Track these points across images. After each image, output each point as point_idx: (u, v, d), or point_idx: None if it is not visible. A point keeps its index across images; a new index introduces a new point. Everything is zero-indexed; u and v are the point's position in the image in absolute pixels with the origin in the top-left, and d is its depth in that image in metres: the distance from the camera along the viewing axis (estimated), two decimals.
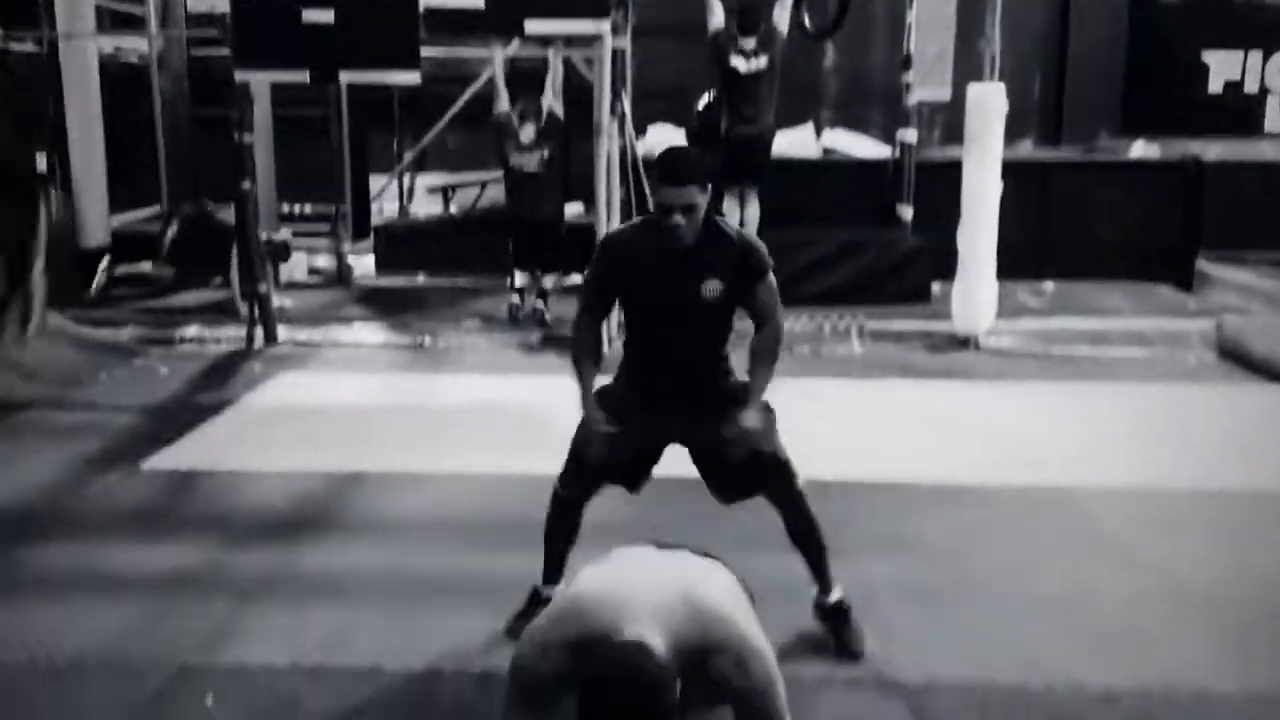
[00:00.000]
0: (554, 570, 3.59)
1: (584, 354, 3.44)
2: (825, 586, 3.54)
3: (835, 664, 3.41)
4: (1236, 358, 7.35)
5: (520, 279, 8.22)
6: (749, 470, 3.38)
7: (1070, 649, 3.51)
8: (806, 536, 3.49)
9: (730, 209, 8.31)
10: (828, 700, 3.22)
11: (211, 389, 6.74)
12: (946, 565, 4.16)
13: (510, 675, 2.30)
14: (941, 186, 8.10)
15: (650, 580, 2.29)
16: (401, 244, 10.18)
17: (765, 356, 3.42)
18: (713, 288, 3.29)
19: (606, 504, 3.64)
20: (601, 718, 2.02)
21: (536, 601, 3.58)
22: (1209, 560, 4.22)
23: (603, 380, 3.50)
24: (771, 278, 3.37)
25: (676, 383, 3.42)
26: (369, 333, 8.17)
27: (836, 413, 6.28)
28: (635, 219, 3.54)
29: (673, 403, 3.40)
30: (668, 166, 3.22)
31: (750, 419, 3.31)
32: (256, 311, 7.84)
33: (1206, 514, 4.70)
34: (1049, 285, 9.20)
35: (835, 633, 3.51)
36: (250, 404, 6.40)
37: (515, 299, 8.18)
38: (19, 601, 3.80)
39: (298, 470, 5.15)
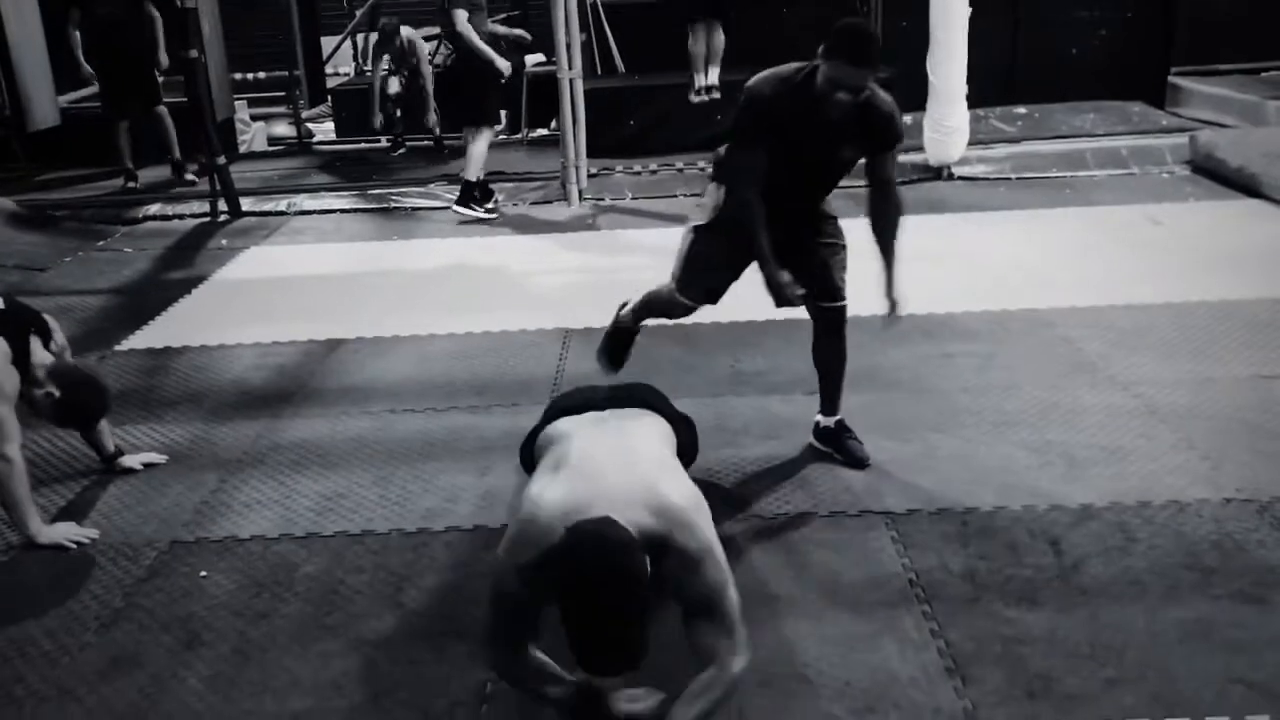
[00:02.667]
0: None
1: (755, 209, 3.37)
2: (833, 410, 3.74)
3: (817, 497, 3.47)
4: (1209, 172, 7.32)
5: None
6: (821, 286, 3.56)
7: (1047, 470, 3.58)
8: (836, 358, 3.69)
9: (696, 41, 8.25)
10: (812, 531, 3.28)
11: (179, 266, 6.65)
12: (923, 395, 4.20)
13: (492, 603, 2.36)
14: (909, 14, 7.91)
15: (612, 482, 2.30)
16: (361, 106, 9.94)
17: (891, 228, 3.54)
18: (850, 153, 3.39)
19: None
20: (579, 589, 2.10)
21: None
22: (1181, 373, 4.28)
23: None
24: (898, 151, 3.47)
25: (789, 219, 3.47)
26: (335, 200, 8.04)
27: None
28: (784, 69, 3.37)
29: (783, 231, 3.44)
30: (857, 47, 3.16)
31: (898, 304, 3.59)
32: (218, 185, 7.70)
33: (1179, 327, 4.74)
34: (1022, 110, 9.08)
35: (841, 448, 3.70)
36: (220, 279, 6.33)
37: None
38: None
39: (274, 341, 5.13)
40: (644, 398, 2.83)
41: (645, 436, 2.59)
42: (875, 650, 2.71)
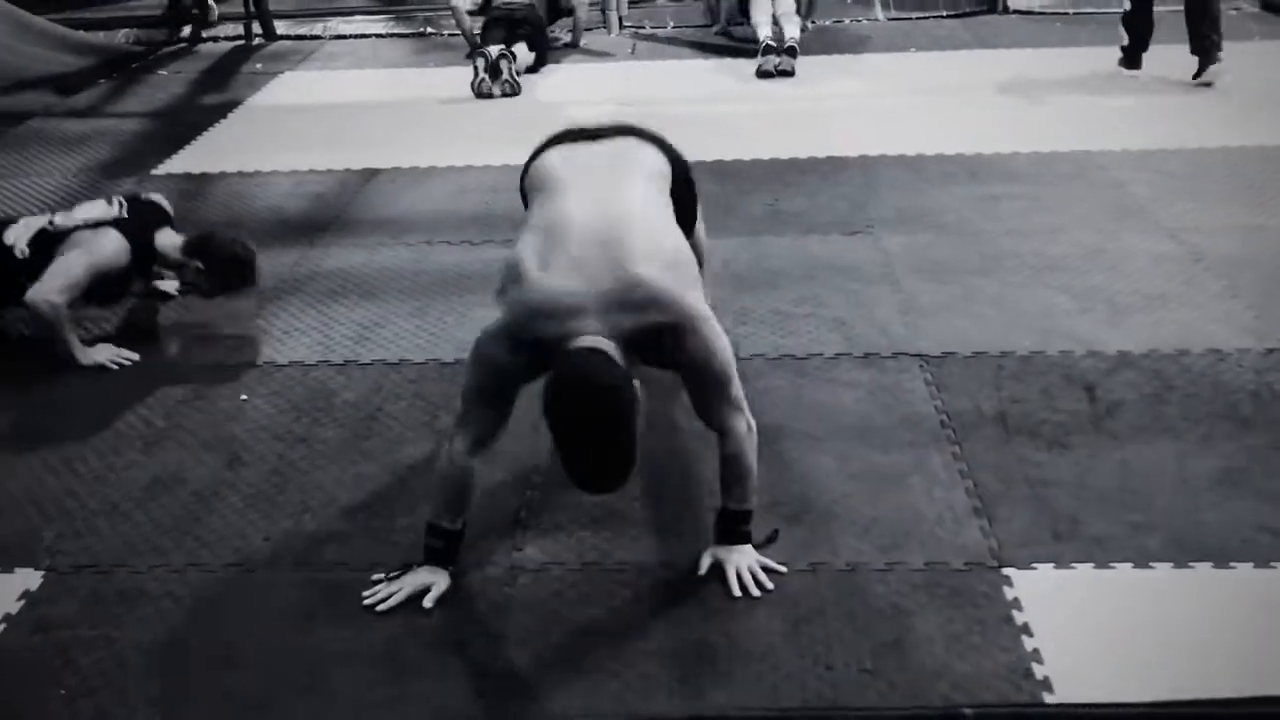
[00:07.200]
0: None
1: None
2: None
3: (852, 339, 3.46)
4: None
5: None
6: None
7: (1088, 315, 3.54)
8: None
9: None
10: (845, 372, 3.28)
11: (214, 91, 6.58)
12: (965, 237, 4.13)
13: (475, 364, 2.38)
14: None
15: (602, 285, 2.28)
16: None
17: None
18: None
19: None
20: (566, 420, 2.16)
21: None
22: (1231, 220, 4.18)
23: None
24: None
25: None
26: (371, 24, 7.88)
27: (858, 87, 6.10)
28: None
29: None
30: None
31: None
32: (252, 7, 7.55)
33: (1232, 173, 4.61)
34: None
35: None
36: (255, 104, 6.26)
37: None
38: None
39: (309, 169, 5.10)
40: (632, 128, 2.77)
41: (637, 188, 2.54)
42: (903, 489, 2.74)
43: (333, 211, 4.66)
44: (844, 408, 3.11)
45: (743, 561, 2.43)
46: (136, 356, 3.50)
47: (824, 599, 2.39)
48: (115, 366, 3.45)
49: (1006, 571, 2.44)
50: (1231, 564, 2.45)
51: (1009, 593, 2.38)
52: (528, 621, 2.37)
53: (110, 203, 3.58)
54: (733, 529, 2.46)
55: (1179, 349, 3.31)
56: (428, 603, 2.40)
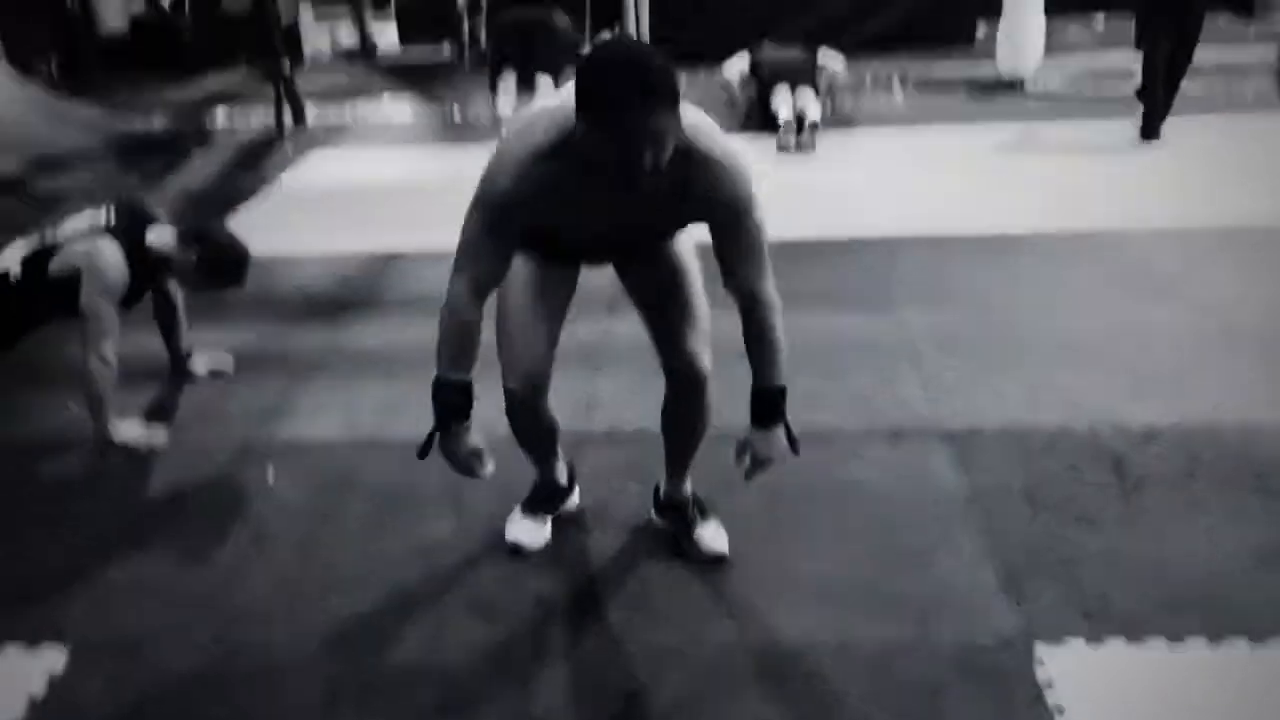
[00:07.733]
0: None
1: None
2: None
3: (875, 416, 3.45)
4: None
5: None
6: None
7: (1114, 391, 3.53)
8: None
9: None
10: (872, 451, 3.27)
11: (244, 173, 6.72)
12: (990, 315, 4.14)
13: (480, 204, 2.25)
14: None
15: None
16: (424, 12, 9.89)
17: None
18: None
19: None
20: (607, 64, 1.95)
21: None
22: (1257, 296, 4.17)
23: None
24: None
25: None
26: (397, 108, 8.03)
27: (878, 166, 6.16)
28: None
29: None
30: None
31: None
32: (282, 92, 7.73)
33: (1259, 248, 4.62)
34: (1101, 20, 8.78)
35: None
36: (284, 187, 6.38)
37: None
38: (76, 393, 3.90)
39: (337, 251, 5.18)
40: None
41: None
42: (931, 566, 2.71)
43: (359, 293, 4.71)
44: (870, 485, 3.09)
45: (774, 455, 2.42)
46: (164, 436, 3.53)
47: (852, 678, 2.36)
48: (145, 446, 3.47)
49: (1037, 651, 2.41)
50: (1267, 641, 2.40)
51: (1040, 672, 2.35)
52: (557, 702, 2.35)
53: (97, 208, 3.53)
54: (771, 408, 2.42)
55: (1208, 423, 3.29)
56: (489, 471, 2.39)
